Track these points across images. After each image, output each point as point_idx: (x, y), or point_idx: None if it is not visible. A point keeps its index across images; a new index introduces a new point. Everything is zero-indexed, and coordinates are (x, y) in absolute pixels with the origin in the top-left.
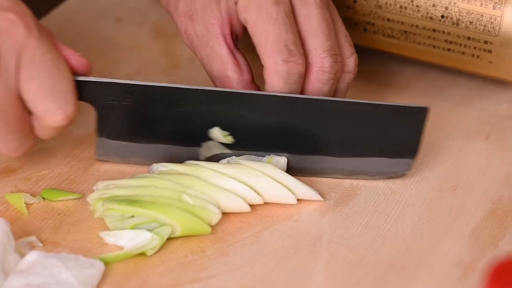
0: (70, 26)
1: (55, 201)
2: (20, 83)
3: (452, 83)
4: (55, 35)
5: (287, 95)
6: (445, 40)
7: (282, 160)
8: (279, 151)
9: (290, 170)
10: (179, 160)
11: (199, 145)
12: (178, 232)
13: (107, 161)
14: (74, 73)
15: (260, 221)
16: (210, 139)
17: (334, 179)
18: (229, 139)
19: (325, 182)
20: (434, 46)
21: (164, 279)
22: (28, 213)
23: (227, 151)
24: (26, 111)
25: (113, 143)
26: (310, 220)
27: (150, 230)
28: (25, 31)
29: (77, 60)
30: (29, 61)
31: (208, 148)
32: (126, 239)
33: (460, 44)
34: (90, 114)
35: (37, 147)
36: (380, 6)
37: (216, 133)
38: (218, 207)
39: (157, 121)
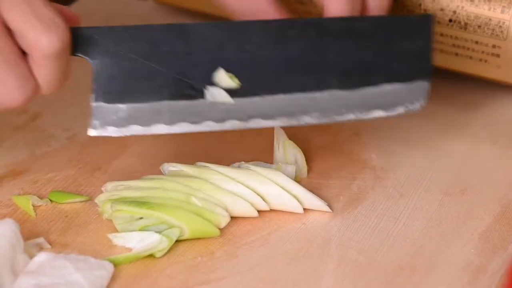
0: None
1: (63, 203)
2: (3, 14)
3: (459, 88)
4: None
5: (281, 20)
6: (453, 44)
7: (290, 168)
8: (286, 92)
9: (301, 114)
10: (183, 120)
11: (203, 96)
12: (186, 235)
13: (103, 136)
14: None
15: (269, 224)
16: (214, 85)
17: (341, 182)
18: (235, 81)
19: (333, 185)
20: (442, 51)
21: (173, 281)
22: (36, 215)
23: (231, 101)
24: (20, 49)
25: (110, 109)
26: (319, 223)
27: (159, 232)
28: None
29: (65, 12)
30: None
31: (213, 97)
32: (135, 241)
33: (468, 48)
34: None
35: (43, 151)
36: None
37: (221, 75)
38: (226, 211)
39: (157, 69)
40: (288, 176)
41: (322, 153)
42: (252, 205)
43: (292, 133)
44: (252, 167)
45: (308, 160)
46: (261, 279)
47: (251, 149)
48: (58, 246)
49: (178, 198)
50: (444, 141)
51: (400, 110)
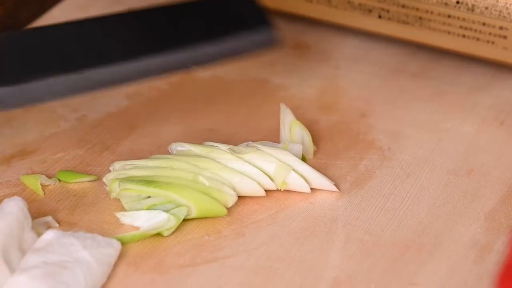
0: (84, 14)
1: (71, 182)
2: None
3: (466, 70)
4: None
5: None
6: (460, 26)
7: (297, 147)
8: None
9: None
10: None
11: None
12: (194, 213)
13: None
14: None
15: (276, 203)
16: None
17: (348, 162)
18: None
19: (341, 166)
20: (449, 32)
21: (181, 259)
22: (44, 194)
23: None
24: None
25: (8, 90)
26: (326, 203)
27: (166, 211)
28: None
29: None
30: None
31: None
32: (143, 220)
33: (475, 30)
34: (105, 100)
35: (52, 131)
36: None
37: None
38: (234, 190)
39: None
40: (295, 155)
41: (330, 134)
42: (260, 184)
43: (300, 114)
44: (259, 146)
45: (315, 141)
46: (268, 257)
47: (259, 129)
48: (66, 225)
49: (185, 177)
50: (451, 122)
51: (260, 48)
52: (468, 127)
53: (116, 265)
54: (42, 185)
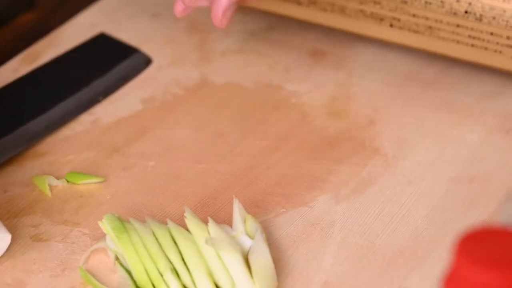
0: (109, 21)
1: (79, 184)
2: None
3: (477, 79)
4: (93, 28)
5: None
6: (469, 36)
7: (248, 240)
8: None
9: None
10: None
11: None
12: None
13: None
14: None
15: (276, 206)
16: None
17: (351, 169)
18: None
19: (344, 171)
20: (458, 42)
21: None
22: (52, 195)
23: None
24: None
25: None
26: (325, 207)
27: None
28: None
29: None
30: None
31: None
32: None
33: (483, 40)
34: (120, 105)
35: (66, 134)
36: (405, 2)
37: None
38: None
39: None
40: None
41: (336, 140)
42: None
43: (309, 120)
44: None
45: (321, 148)
46: None
47: (266, 135)
48: (70, 225)
49: (149, 247)
50: (458, 129)
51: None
52: (474, 135)
53: None
54: (50, 186)
